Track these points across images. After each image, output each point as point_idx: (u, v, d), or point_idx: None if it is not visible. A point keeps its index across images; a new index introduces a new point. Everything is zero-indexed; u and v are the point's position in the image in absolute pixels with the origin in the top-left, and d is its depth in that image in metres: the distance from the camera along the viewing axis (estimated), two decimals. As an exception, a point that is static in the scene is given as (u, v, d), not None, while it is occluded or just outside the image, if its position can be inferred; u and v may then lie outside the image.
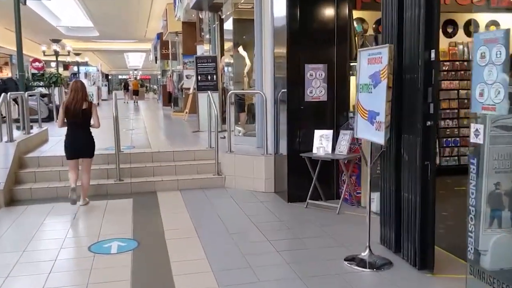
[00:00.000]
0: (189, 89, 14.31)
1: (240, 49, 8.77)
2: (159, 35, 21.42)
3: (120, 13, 22.50)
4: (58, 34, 26.83)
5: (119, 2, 19.88)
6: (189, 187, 6.64)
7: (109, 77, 49.87)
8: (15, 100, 9.36)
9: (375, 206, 5.26)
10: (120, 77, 58.23)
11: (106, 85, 35.90)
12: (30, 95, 9.37)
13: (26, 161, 6.79)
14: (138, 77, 50.92)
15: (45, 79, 17.94)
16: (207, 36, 11.40)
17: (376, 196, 5.25)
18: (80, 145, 5.82)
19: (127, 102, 28.16)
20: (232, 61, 8.75)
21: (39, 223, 5.23)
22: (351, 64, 5.90)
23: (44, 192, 6.23)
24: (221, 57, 10.12)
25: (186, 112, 13.84)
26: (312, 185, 5.67)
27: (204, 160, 7.20)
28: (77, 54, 31.80)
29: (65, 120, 5.81)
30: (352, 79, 5.83)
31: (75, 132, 5.80)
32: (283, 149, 6.18)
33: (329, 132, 5.63)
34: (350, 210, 5.47)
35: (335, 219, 5.23)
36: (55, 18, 25.50)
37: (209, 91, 7.21)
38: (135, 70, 53.39)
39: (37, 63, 23.38)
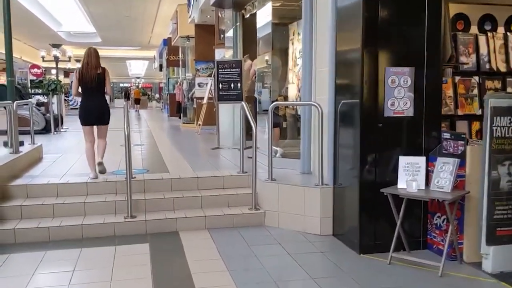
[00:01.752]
0: (202, 98, 12.86)
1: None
2: (166, 41, 20.02)
3: (124, 17, 21.17)
4: (59, 39, 25.48)
5: (124, 5, 18.54)
6: (219, 225, 5.12)
7: (111, 85, 48.55)
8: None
9: (490, 264, 3.78)
10: (121, 85, 56.92)
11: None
12: (21, 105, 7.85)
13: (10, 192, 5.27)
14: (140, 85, 49.66)
15: (43, 86, 16.46)
16: (228, 35, 9.93)
17: (492, 250, 3.77)
18: (95, 112, 5.85)
19: (129, 111, 26.80)
20: (268, 64, 7.26)
21: (25, 281, 3.73)
22: (445, 68, 4.43)
23: (32, 234, 4.72)
24: (252, 60, 8.64)
25: (199, 124, 12.36)
26: (396, 231, 4.17)
27: (236, 188, 5.70)
28: (78, 61, 30.40)
29: (79, 90, 5.86)
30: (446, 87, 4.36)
31: (90, 99, 5.84)
32: (345, 178, 4.69)
33: (421, 160, 4.14)
34: (455, 269, 3.95)
35: (440, 285, 3.71)
36: (56, 23, 24.18)
37: (242, 102, 5.74)
38: (137, 78, 52.11)
39: (35, 69, 22.01)
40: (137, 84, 48.41)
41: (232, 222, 5.17)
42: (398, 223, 4.17)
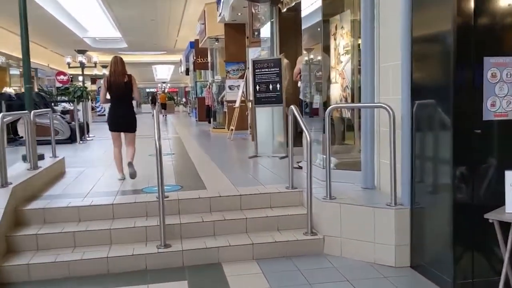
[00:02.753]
0: (233, 102, 12.07)
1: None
2: (193, 43, 19.34)
3: (150, 21, 20.62)
4: (85, 46, 25.18)
5: (149, 9, 17.96)
6: (269, 255, 4.26)
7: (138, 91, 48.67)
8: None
9: None
10: (147, 90, 56.92)
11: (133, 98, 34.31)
12: (42, 114, 7.18)
13: (25, 216, 4.53)
14: (166, 90, 49.45)
15: (69, 93, 15.96)
16: (263, 33, 9.09)
17: None
18: (123, 119, 5.98)
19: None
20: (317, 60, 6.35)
21: None
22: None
23: (49, 270, 3.96)
24: (288, 58, 7.77)
25: (232, 130, 11.55)
26: (505, 269, 3.22)
27: (286, 208, 4.83)
28: (104, 67, 30.16)
29: (108, 97, 5.98)
30: None
31: (118, 106, 5.96)
32: (427, 198, 3.79)
33: (537, 176, 3.18)
34: None
35: None
36: (82, 29, 23.86)
37: (292, 106, 4.87)
38: (163, 83, 51.93)
39: (62, 76, 21.66)
40: (163, 89, 48.14)
41: (284, 251, 4.30)
42: (506, 258, 3.22)
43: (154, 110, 4.83)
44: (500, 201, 3.29)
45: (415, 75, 3.88)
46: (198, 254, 4.16)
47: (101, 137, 12.65)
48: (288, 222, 4.61)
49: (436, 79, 3.62)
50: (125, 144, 6.08)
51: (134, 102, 6.30)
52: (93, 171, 6.88)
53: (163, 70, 45.57)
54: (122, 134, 6.07)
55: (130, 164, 5.84)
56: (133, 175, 5.78)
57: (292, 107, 4.92)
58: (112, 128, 6.02)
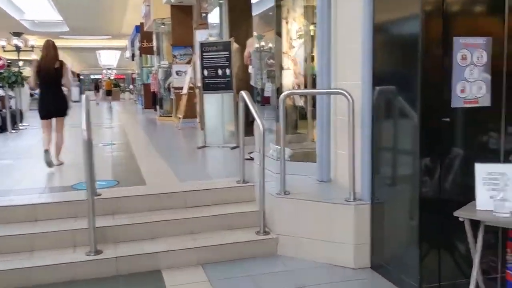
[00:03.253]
0: (181, 88, 11.45)
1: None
2: (139, 27, 18.37)
3: (93, 3, 19.41)
4: (22, 29, 23.49)
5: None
6: (217, 258, 3.81)
7: (81, 77, 46.82)
8: None
9: None
10: (92, 76, 54.62)
11: (77, 85, 32.82)
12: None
13: None
14: (112, 77, 47.64)
15: (3, 79, 14.72)
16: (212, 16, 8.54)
17: None
18: (52, 105, 5.82)
19: (99, 103, 25.39)
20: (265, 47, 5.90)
21: None
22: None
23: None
24: (238, 42, 7.26)
25: (179, 118, 10.96)
26: (476, 269, 2.92)
27: (237, 204, 4.39)
28: (44, 51, 28.35)
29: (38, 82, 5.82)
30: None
31: (47, 92, 5.80)
32: (389, 192, 3.46)
33: (510, 168, 2.89)
34: None
35: None
36: (18, 11, 22.20)
37: (243, 92, 4.40)
38: (109, 69, 49.95)
39: (-4, 61, 20.13)
40: (108, 76, 46.29)
41: (234, 254, 3.86)
42: (477, 258, 2.93)
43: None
44: (469, 196, 2.99)
45: (377, 59, 3.50)
46: (134, 261, 3.64)
47: (35, 126, 11.68)
48: (238, 221, 4.17)
49: (401, 63, 3.27)
50: (55, 130, 5.89)
51: (65, 89, 6.03)
52: (20, 164, 6.17)
53: (108, 56, 43.68)
54: (53, 121, 5.87)
55: (47, 152, 5.58)
56: (49, 163, 5.57)
57: (243, 93, 4.46)
58: (43, 115, 5.84)
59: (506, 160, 3.15)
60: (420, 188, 3.07)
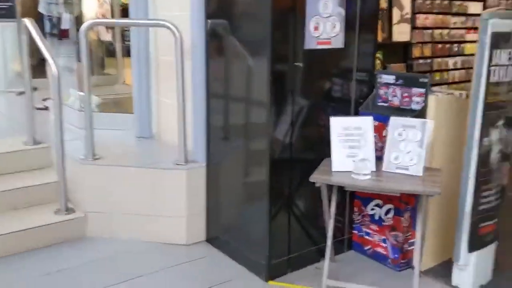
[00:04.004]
0: None
1: None
2: None
3: None
4: None
5: None
6: (5, 251, 2.76)
7: None
8: None
9: (471, 279, 2.52)
10: None
11: None
12: None
13: None
14: None
15: None
16: None
17: (474, 259, 2.51)
18: None
19: None
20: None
21: None
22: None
23: None
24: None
25: None
26: (330, 235, 2.53)
27: (26, 174, 3.28)
28: None
29: None
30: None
31: None
32: (226, 150, 2.85)
33: (366, 123, 2.49)
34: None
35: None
36: None
37: (25, 21, 3.16)
38: None
39: None
40: None
41: (26, 243, 2.84)
42: (332, 223, 2.54)
43: None
44: (322, 153, 2.56)
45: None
46: None
47: None
48: (30, 197, 3.11)
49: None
50: None
51: None
52: None
53: None
54: None
55: None
56: None
57: (26, 21, 3.23)
58: None
59: (357, 111, 2.79)
60: (270, 146, 2.50)
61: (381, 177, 2.38)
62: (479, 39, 2.29)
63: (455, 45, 5.54)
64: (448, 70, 5.46)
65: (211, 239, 3.01)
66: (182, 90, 2.90)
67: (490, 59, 2.29)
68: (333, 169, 2.45)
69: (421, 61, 5.16)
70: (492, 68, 2.31)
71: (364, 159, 2.36)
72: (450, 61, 5.50)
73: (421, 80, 2.62)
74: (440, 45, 5.35)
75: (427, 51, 5.19)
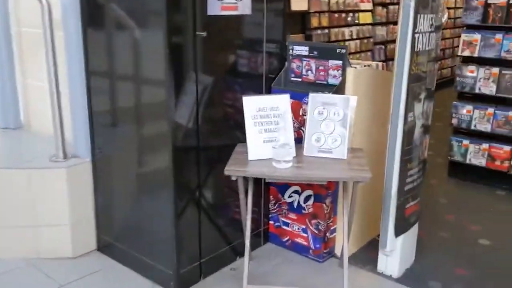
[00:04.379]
0: None
1: None
2: None
3: None
4: None
5: None
6: None
7: None
8: None
9: (397, 265, 2.38)
10: None
11: None
12: None
13: None
14: None
15: None
16: None
17: (400, 243, 2.38)
18: None
19: None
20: None
21: None
22: None
23: None
24: None
25: None
26: (248, 232, 2.19)
27: None
28: None
29: None
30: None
31: None
32: (116, 140, 2.36)
33: (283, 101, 2.15)
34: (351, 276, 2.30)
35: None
36: None
37: None
38: None
39: None
40: None
41: None
42: (249, 218, 2.19)
43: None
44: (235, 137, 2.20)
45: None
46: None
47: None
48: None
49: None
50: None
51: None
52: None
53: None
54: None
55: None
56: None
57: None
58: None
59: (270, 88, 2.45)
60: (172, 130, 2.05)
61: (303, 163, 2.08)
62: (403, 2, 2.05)
63: (350, 14, 5.45)
64: (344, 40, 5.37)
65: (104, 248, 2.51)
66: (54, 68, 2.32)
67: (415, 25, 2.06)
68: (250, 157, 2.09)
69: (319, 31, 4.99)
70: (417, 35, 2.09)
71: (285, 143, 2.03)
72: (347, 31, 5.41)
73: (338, 51, 2.34)
74: (336, 15, 5.22)
75: (325, 20, 5.02)
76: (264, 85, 2.42)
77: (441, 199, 3.37)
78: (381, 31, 6.00)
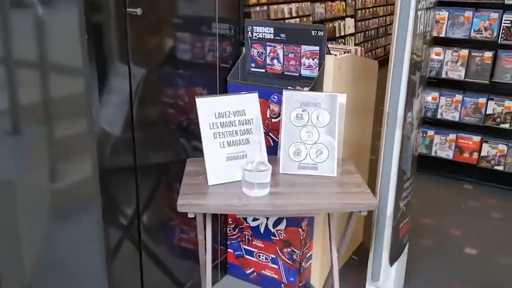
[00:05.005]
0: None
1: None
2: None
3: None
4: None
5: None
6: None
7: None
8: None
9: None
10: None
11: None
12: None
13: None
14: None
15: None
16: None
17: (395, 272, 1.96)
18: None
19: None
20: None
21: None
22: None
23: None
24: None
25: None
26: (209, 281, 1.64)
27: None
28: None
29: None
30: None
31: None
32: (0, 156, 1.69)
33: (252, 102, 1.59)
34: None
35: None
36: None
37: None
38: None
39: None
40: None
41: None
42: (209, 255, 1.65)
43: None
44: (183, 149, 1.63)
45: None
46: None
47: None
48: None
49: None
50: None
51: None
52: None
53: None
54: None
55: None
56: None
57: None
58: None
59: (224, 82, 1.88)
60: (98, 143, 1.43)
61: (280, 187, 1.55)
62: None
63: (290, -11, 4.96)
64: (284, 18, 4.87)
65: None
66: None
67: (418, 1, 1.59)
68: (210, 181, 1.52)
69: (258, 8, 4.45)
70: (419, 12, 1.62)
71: (261, 161, 1.49)
72: (286, 8, 4.91)
73: (313, 33, 1.81)
74: (275, -10, 4.70)
75: (264, -4, 4.49)
76: (217, 78, 1.85)
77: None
78: (320, 9, 5.57)
